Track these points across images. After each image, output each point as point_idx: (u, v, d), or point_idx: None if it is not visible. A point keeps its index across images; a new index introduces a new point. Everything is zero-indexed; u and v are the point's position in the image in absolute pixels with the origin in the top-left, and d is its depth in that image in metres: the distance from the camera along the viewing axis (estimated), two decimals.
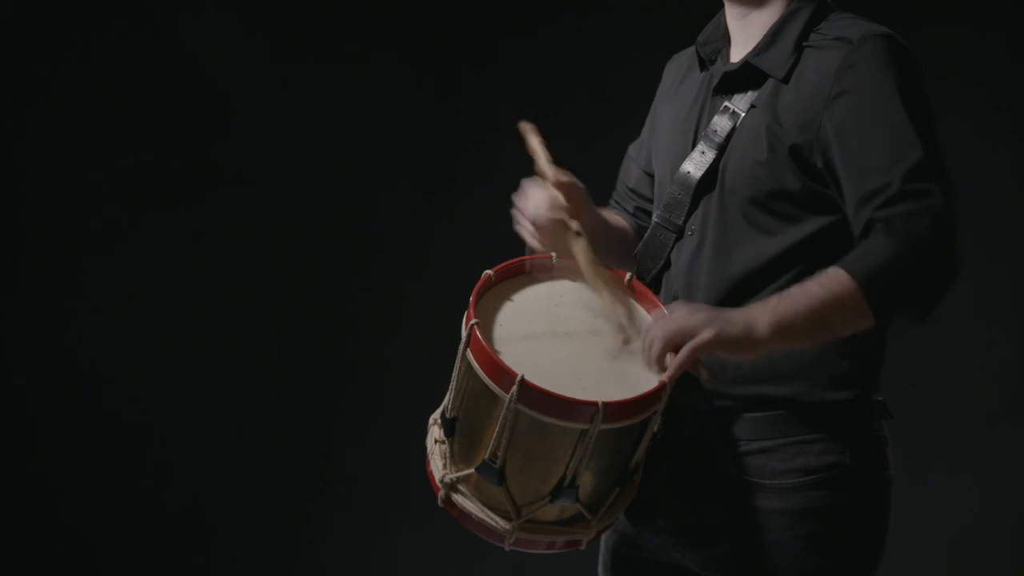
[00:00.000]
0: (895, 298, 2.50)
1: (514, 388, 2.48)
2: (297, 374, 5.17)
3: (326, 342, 5.19)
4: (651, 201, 2.93)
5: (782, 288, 2.59)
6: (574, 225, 2.73)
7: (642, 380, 2.56)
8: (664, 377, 2.50)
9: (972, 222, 2.63)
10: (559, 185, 2.74)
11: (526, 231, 2.78)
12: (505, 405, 2.50)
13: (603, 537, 2.84)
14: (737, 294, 2.63)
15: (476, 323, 2.56)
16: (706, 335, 2.45)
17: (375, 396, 5.16)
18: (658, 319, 2.51)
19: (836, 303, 2.47)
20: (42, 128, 5.10)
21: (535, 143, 2.80)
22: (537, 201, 2.75)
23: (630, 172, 3.03)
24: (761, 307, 2.49)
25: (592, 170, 3.33)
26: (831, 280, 2.48)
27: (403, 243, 5.15)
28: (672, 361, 2.48)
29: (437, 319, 3.18)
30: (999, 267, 4.72)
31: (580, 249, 2.72)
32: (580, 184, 2.77)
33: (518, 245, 2.82)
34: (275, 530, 5.17)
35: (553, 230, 2.74)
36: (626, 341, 2.62)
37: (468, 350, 2.57)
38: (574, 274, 2.76)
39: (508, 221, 2.82)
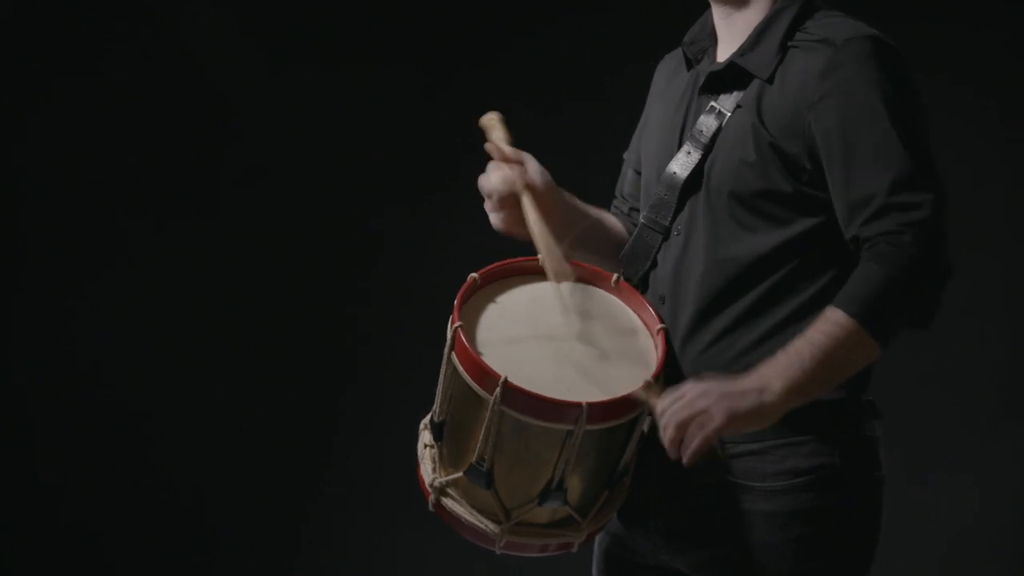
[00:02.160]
0: (896, 323, 2.49)
1: (498, 390, 2.49)
2: (297, 374, 5.17)
3: (326, 342, 5.19)
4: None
5: (770, 289, 2.60)
6: (519, 185, 2.73)
7: (628, 381, 2.56)
8: (685, 462, 2.48)
9: (964, 221, 2.62)
10: (499, 153, 2.76)
11: (488, 209, 2.79)
12: (490, 407, 2.50)
13: (596, 539, 2.84)
14: (724, 295, 2.63)
15: (460, 326, 2.57)
16: (718, 420, 2.45)
17: (375, 396, 5.16)
18: (671, 401, 2.49)
19: (841, 347, 2.46)
20: (42, 128, 5.10)
21: (492, 127, 2.82)
22: (491, 177, 2.76)
23: (625, 177, 3.02)
24: (769, 371, 2.47)
25: (592, 170, 3.33)
26: (831, 325, 2.46)
27: (403, 243, 5.15)
28: (687, 450, 2.47)
29: (437, 319, 3.17)
30: (994, 266, 4.71)
31: (525, 203, 2.72)
32: (527, 155, 2.78)
33: (516, 247, 2.82)
34: (275, 530, 5.17)
35: (509, 201, 2.75)
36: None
37: (452, 353, 2.58)
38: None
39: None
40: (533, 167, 2.77)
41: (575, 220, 2.85)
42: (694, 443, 2.45)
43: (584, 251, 2.83)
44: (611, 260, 2.85)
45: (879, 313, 2.47)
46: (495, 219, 2.79)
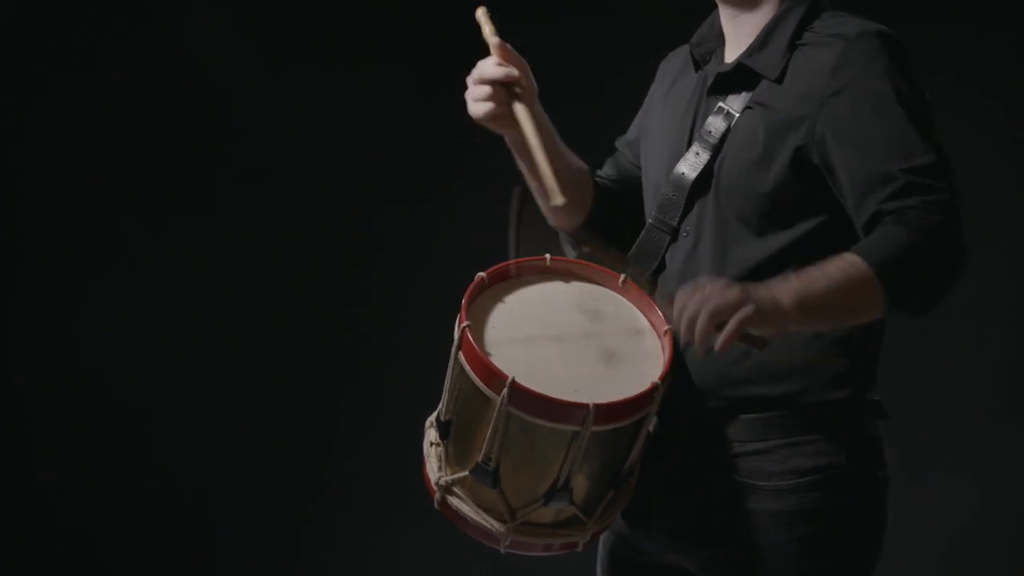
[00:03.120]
0: (907, 287, 2.48)
1: (505, 390, 2.49)
2: (297, 374, 5.17)
3: (326, 342, 5.20)
4: (618, 181, 2.94)
5: None
6: (516, 83, 2.71)
7: (635, 382, 2.56)
8: (717, 349, 2.43)
9: (968, 221, 2.62)
10: (504, 51, 2.71)
11: (471, 98, 2.72)
12: (496, 407, 2.51)
13: (601, 538, 2.84)
14: None
15: (468, 325, 2.57)
16: (748, 309, 2.40)
17: (375, 396, 5.16)
18: (689, 295, 2.44)
19: (853, 286, 2.45)
20: (42, 128, 5.10)
21: (485, 21, 2.78)
22: (489, 63, 2.72)
23: (615, 160, 3.01)
24: (783, 283, 2.45)
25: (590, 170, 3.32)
26: (848, 264, 2.45)
27: (403, 243, 5.16)
28: (721, 336, 2.42)
29: (437, 319, 3.18)
30: (997, 266, 4.71)
31: (520, 112, 2.70)
32: (524, 61, 2.75)
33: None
34: (275, 530, 5.17)
35: (500, 90, 2.70)
36: (560, 202, 2.60)
37: (460, 353, 2.58)
38: (568, 275, 2.76)
39: (508, 221, 2.81)
40: (529, 74, 2.75)
41: (550, 142, 2.81)
42: (730, 327, 2.40)
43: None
44: (580, 198, 2.85)
45: (894, 270, 2.45)
46: (479, 108, 2.71)
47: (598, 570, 2.91)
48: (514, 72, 2.70)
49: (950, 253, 2.47)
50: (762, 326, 2.44)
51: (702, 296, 2.42)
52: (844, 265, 2.46)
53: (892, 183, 2.49)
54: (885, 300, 2.47)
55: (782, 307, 2.43)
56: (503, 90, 2.70)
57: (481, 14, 2.78)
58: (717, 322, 2.42)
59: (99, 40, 5.10)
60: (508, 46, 2.72)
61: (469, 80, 2.72)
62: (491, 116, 2.71)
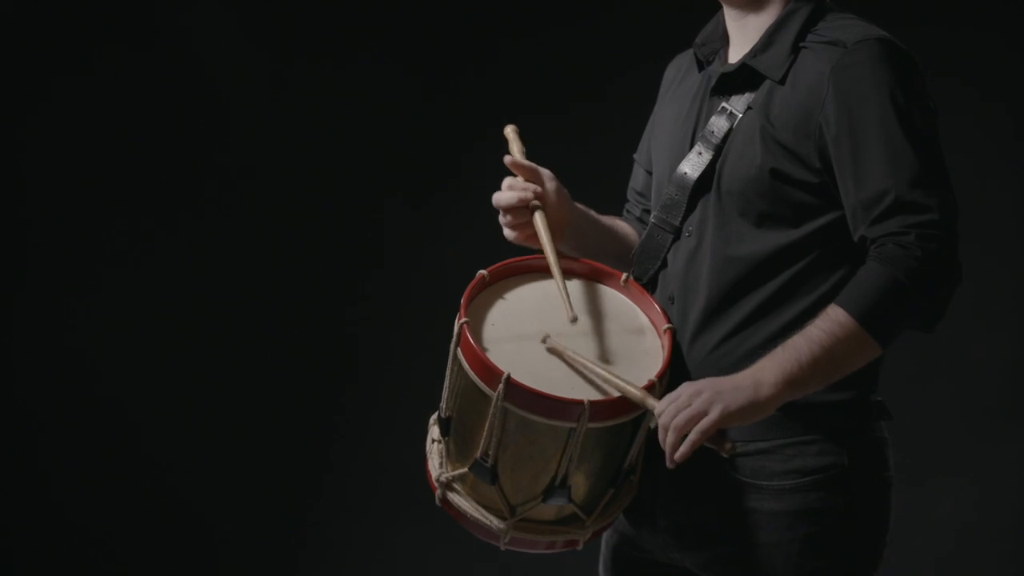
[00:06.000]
0: (897, 325, 2.50)
1: (501, 387, 2.50)
2: (297, 374, 5.17)
3: (326, 342, 5.19)
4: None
5: (779, 290, 2.61)
6: (532, 200, 2.75)
7: (633, 380, 2.56)
8: (670, 465, 2.50)
9: (969, 222, 2.63)
10: (517, 167, 2.77)
11: (501, 220, 2.80)
12: (493, 404, 2.52)
13: (604, 536, 2.84)
14: (733, 295, 2.64)
15: (466, 322, 2.58)
16: (713, 415, 2.46)
17: (375, 396, 5.16)
18: (666, 404, 2.51)
19: (840, 345, 2.47)
20: (42, 128, 5.10)
21: (512, 138, 2.85)
22: (504, 194, 2.78)
23: (637, 177, 3.03)
24: (766, 364, 2.49)
25: (594, 174, 3.33)
26: (831, 322, 2.48)
27: (403, 242, 5.16)
28: (678, 451, 2.48)
29: (437, 319, 3.18)
30: (999, 267, 4.72)
31: (537, 222, 2.74)
32: (546, 171, 2.80)
33: (517, 246, 2.82)
34: (275, 530, 5.17)
35: (519, 212, 2.77)
36: (572, 320, 2.63)
37: (458, 349, 2.59)
38: (569, 274, 2.77)
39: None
40: (549, 184, 2.79)
41: (588, 234, 2.87)
42: (687, 443, 2.47)
43: (600, 261, 2.84)
44: (617, 258, 2.86)
45: (881, 314, 2.47)
46: (508, 233, 2.80)
47: (600, 569, 2.91)
48: (526, 194, 2.76)
49: (936, 277, 2.48)
50: (742, 421, 2.49)
51: (675, 408, 2.48)
52: (828, 325, 2.48)
53: (878, 205, 2.51)
54: (878, 345, 2.50)
55: (762, 393, 2.47)
56: (521, 209, 2.76)
57: (510, 131, 2.86)
58: (685, 434, 2.48)
59: (99, 40, 5.09)
60: (523, 163, 2.78)
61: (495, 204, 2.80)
62: (516, 238, 2.80)
